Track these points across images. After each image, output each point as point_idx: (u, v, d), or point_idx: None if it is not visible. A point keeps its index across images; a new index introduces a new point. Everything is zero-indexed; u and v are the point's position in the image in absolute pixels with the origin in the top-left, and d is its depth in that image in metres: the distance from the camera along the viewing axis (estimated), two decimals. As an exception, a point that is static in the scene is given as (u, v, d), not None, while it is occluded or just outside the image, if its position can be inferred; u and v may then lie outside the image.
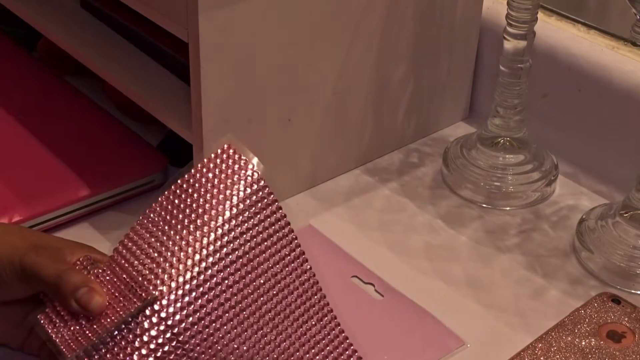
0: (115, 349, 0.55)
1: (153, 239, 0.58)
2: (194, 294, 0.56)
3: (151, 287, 0.56)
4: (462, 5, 0.86)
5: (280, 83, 0.75)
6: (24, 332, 0.62)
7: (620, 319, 0.69)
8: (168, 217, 0.59)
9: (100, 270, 0.59)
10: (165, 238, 0.58)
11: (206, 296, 0.57)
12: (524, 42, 0.77)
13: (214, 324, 0.57)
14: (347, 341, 0.63)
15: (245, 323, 0.58)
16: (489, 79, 0.90)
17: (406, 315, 0.70)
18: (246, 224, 0.59)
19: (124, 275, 0.58)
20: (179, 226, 0.58)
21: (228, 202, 0.59)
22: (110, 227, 0.78)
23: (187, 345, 0.56)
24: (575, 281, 0.74)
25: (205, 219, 0.58)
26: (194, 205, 0.59)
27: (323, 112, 0.80)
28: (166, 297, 0.56)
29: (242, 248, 0.58)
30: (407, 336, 0.68)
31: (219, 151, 0.61)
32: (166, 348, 0.55)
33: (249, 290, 0.58)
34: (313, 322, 0.61)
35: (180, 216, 0.59)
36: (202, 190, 0.60)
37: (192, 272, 0.57)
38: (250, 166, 0.60)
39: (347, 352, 0.62)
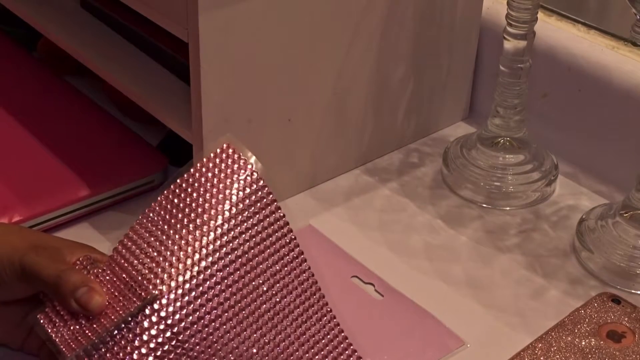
0: (115, 348, 0.55)
1: (152, 239, 0.58)
2: (193, 293, 0.56)
3: (151, 287, 0.56)
4: (462, 5, 0.86)
5: (280, 83, 0.75)
6: (24, 332, 0.62)
7: (620, 319, 0.69)
8: (167, 217, 0.59)
9: (100, 270, 0.59)
10: (164, 237, 0.58)
11: (206, 295, 0.57)
12: (524, 42, 0.77)
13: (213, 323, 0.57)
14: (347, 341, 0.63)
15: (245, 322, 0.58)
16: (489, 79, 0.90)
17: (406, 315, 0.70)
18: (245, 224, 0.59)
19: (124, 275, 0.58)
20: (178, 225, 0.58)
21: (227, 202, 0.59)
22: (110, 227, 0.78)
23: (186, 345, 0.56)
24: (575, 281, 0.74)
25: (205, 219, 0.58)
26: (194, 204, 0.59)
27: (323, 112, 0.80)
28: (166, 297, 0.56)
29: (242, 248, 0.59)
30: (407, 336, 0.68)
31: (218, 151, 0.61)
32: (166, 347, 0.55)
33: (248, 290, 0.58)
34: (312, 322, 0.61)
35: (180, 216, 0.59)
36: (202, 189, 0.60)
37: (191, 271, 0.57)
38: (249, 166, 0.60)
39: (346, 352, 0.62)
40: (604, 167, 0.84)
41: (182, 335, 0.56)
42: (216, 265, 0.57)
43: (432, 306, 0.70)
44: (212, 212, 0.59)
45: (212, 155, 0.61)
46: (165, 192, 0.60)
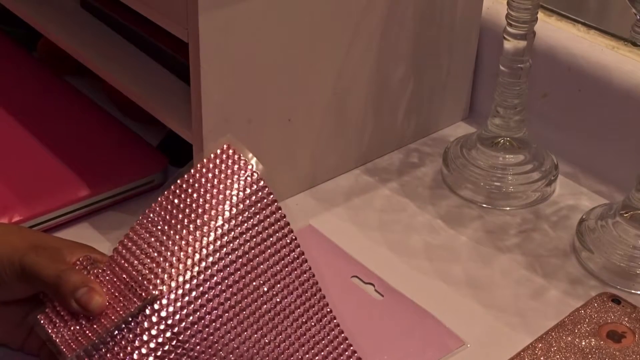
0: (116, 349, 0.55)
1: (153, 239, 0.58)
2: (194, 293, 0.56)
3: (151, 287, 0.56)
4: (462, 5, 0.86)
5: (280, 83, 0.75)
6: (24, 332, 0.62)
7: (620, 319, 0.69)
8: (168, 217, 0.59)
9: (100, 270, 0.59)
10: (165, 238, 0.58)
11: (206, 296, 0.57)
12: (524, 42, 0.77)
13: (213, 324, 0.57)
14: (347, 342, 0.63)
15: (245, 323, 0.58)
16: (489, 79, 0.90)
17: (406, 315, 0.70)
18: (246, 224, 0.59)
19: (124, 275, 0.58)
20: (178, 226, 0.58)
21: (228, 202, 0.59)
22: (110, 227, 0.78)
23: (187, 345, 0.56)
24: (575, 281, 0.74)
25: (205, 219, 0.58)
26: (194, 205, 0.59)
27: (323, 112, 0.80)
28: (166, 297, 0.56)
29: (242, 248, 0.59)
30: (407, 336, 0.68)
31: (219, 151, 0.61)
32: (166, 347, 0.55)
33: (249, 290, 0.58)
34: (312, 323, 0.61)
35: (180, 216, 0.59)
36: (202, 190, 0.60)
37: (192, 271, 0.57)
38: (249, 167, 0.60)
39: (346, 353, 0.62)
40: (604, 167, 0.84)
41: (182, 336, 0.56)
42: (216, 266, 0.57)
43: (432, 306, 0.70)
44: (213, 212, 0.59)
45: (212, 155, 0.61)
46: (165, 192, 0.60)
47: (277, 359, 0.59)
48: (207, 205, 0.59)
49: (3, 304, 0.61)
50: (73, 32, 0.85)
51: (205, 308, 0.57)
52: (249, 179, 0.60)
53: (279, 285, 0.60)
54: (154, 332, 0.55)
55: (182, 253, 0.57)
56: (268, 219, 0.60)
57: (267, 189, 0.60)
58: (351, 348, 0.63)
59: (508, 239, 0.78)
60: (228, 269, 0.58)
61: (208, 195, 0.59)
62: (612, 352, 0.66)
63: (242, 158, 0.61)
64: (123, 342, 0.55)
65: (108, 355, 0.55)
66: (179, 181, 0.60)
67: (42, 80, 0.94)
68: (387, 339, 0.67)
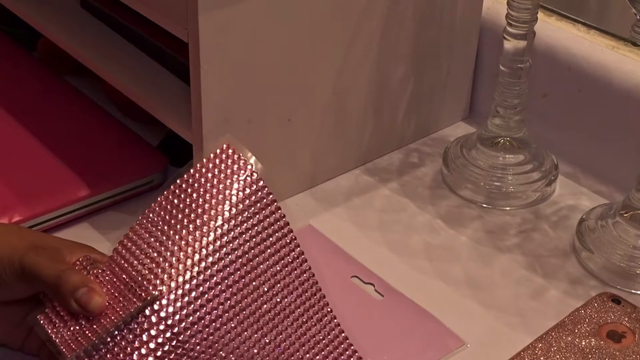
0: (116, 349, 0.55)
1: (152, 239, 0.58)
2: (193, 293, 0.56)
3: (151, 287, 0.56)
4: (462, 5, 0.86)
5: (280, 83, 0.75)
6: (24, 332, 0.62)
7: (620, 319, 0.69)
8: (167, 217, 0.59)
9: (99, 271, 0.59)
10: (164, 238, 0.58)
11: (206, 296, 0.57)
12: (524, 42, 0.77)
13: (213, 324, 0.57)
14: (347, 341, 0.62)
15: (245, 323, 0.58)
16: (489, 79, 0.90)
17: (406, 315, 0.70)
18: (245, 224, 0.59)
19: (124, 276, 0.58)
20: (178, 226, 0.58)
21: (227, 202, 0.59)
22: (110, 227, 0.78)
23: (187, 345, 0.56)
24: (575, 281, 0.74)
25: (205, 219, 0.58)
26: (193, 205, 0.59)
27: (323, 112, 0.80)
28: (166, 297, 0.56)
29: (242, 248, 0.59)
30: (407, 336, 0.68)
31: (218, 151, 0.61)
32: (166, 348, 0.55)
33: (249, 290, 0.58)
34: (313, 322, 0.61)
35: (180, 216, 0.59)
36: (202, 190, 0.60)
37: (191, 272, 0.57)
38: (249, 166, 0.60)
39: (347, 353, 0.62)
40: (604, 167, 0.84)
41: (182, 336, 0.56)
42: (216, 266, 0.57)
43: (432, 306, 0.70)
44: (212, 212, 0.59)
45: (212, 155, 0.61)
46: (165, 192, 0.60)
47: (278, 359, 0.59)
48: (206, 205, 0.59)
49: (3, 304, 0.61)
50: (73, 32, 0.85)
51: (205, 308, 0.57)
52: (248, 179, 0.60)
53: (278, 285, 0.60)
54: (153, 332, 0.55)
55: (181, 253, 0.57)
56: (268, 219, 0.60)
57: (266, 189, 0.60)
58: (352, 348, 0.63)
59: (508, 239, 0.78)
60: (228, 269, 0.58)
61: (208, 195, 0.59)
62: (612, 352, 0.66)
63: (241, 158, 0.61)
64: (123, 343, 0.55)
65: (108, 355, 0.55)
66: (178, 181, 0.60)
67: (42, 80, 0.94)
68: (387, 339, 0.67)
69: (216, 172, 0.60)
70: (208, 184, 0.60)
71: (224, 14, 0.69)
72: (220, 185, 0.60)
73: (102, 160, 0.82)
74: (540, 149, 0.84)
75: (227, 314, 0.57)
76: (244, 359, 0.58)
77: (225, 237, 0.58)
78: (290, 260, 0.61)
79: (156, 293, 0.56)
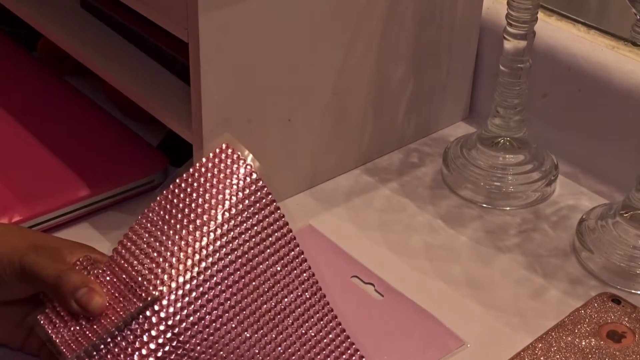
0: (116, 350, 0.55)
1: (152, 239, 0.58)
2: (194, 294, 0.56)
3: (151, 288, 0.56)
4: (462, 5, 0.86)
5: (280, 83, 0.75)
6: (24, 332, 0.62)
7: (620, 319, 0.69)
8: (167, 217, 0.59)
9: (100, 271, 0.59)
10: (164, 238, 0.58)
11: (206, 296, 0.57)
12: (524, 42, 0.77)
13: (214, 324, 0.57)
14: (349, 340, 0.62)
15: (246, 323, 0.58)
16: (489, 79, 0.90)
17: (406, 315, 0.70)
18: (245, 224, 0.59)
19: (124, 276, 0.57)
20: (177, 226, 0.58)
21: (227, 202, 0.59)
22: (110, 227, 0.78)
23: (187, 345, 0.56)
24: (575, 281, 0.74)
25: (205, 219, 0.58)
26: (193, 205, 0.59)
27: (323, 112, 0.80)
28: (166, 298, 0.56)
29: (241, 248, 0.58)
30: (407, 336, 0.68)
31: (217, 150, 0.61)
32: (167, 348, 0.55)
33: (249, 290, 0.58)
34: (313, 322, 0.61)
35: (179, 216, 0.59)
36: (201, 190, 0.60)
37: (192, 272, 0.57)
38: (248, 166, 0.60)
39: (349, 352, 0.62)
40: (604, 167, 0.84)
41: (182, 336, 0.56)
42: (216, 266, 0.57)
43: (432, 306, 0.70)
44: (212, 212, 0.59)
45: (211, 155, 0.61)
46: (164, 192, 0.60)
47: (279, 357, 0.59)
48: (206, 205, 0.59)
49: (3, 304, 0.61)
50: (73, 32, 0.85)
51: (205, 308, 0.56)
52: (247, 179, 0.60)
53: (278, 285, 0.60)
54: (154, 333, 0.55)
55: (181, 254, 0.57)
56: (267, 219, 0.60)
57: (265, 188, 0.60)
58: (353, 347, 0.62)
59: (508, 239, 0.78)
60: (227, 269, 0.58)
61: (207, 195, 0.59)
62: (612, 352, 0.66)
63: (240, 157, 0.61)
64: (123, 344, 0.55)
65: (108, 356, 0.55)
66: (177, 180, 0.60)
67: (42, 80, 0.94)
68: (387, 339, 0.67)
69: (215, 172, 0.60)
70: (207, 184, 0.60)
71: (224, 14, 0.69)
72: (220, 185, 0.60)
73: (102, 160, 0.82)
74: (540, 149, 0.84)
75: (227, 314, 0.57)
76: (244, 358, 0.58)
77: (225, 237, 0.58)
78: (289, 259, 0.61)
79: (156, 294, 0.56)
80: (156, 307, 0.55)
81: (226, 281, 0.57)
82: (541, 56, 0.85)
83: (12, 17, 0.92)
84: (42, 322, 0.58)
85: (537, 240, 0.78)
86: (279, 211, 0.60)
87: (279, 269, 0.60)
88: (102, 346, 0.55)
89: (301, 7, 0.73)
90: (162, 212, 0.59)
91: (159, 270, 0.57)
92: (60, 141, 0.83)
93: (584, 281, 0.74)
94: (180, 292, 0.56)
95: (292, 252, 0.61)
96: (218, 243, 0.58)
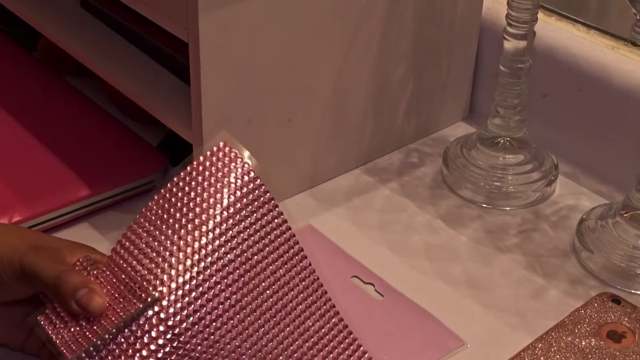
0: (117, 351, 0.55)
1: (150, 239, 0.58)
2: (193, 294, 0.56)
3: (151, 288, 0.56)
4: (462, 5, 0.86)
5: (280, 83, 0.75)
6: (24, 332, 0.62)
7: (620, 319, 0.69)
8: (165, 217, 0.59)
9: (99, 271, 0.59)
10: (163, 238, 0.58)
11: (206, 296, 0.57)
12: (524, 42, 0.77)
13: (214, 323, 0.57)
14: (352, 336, 0.62)
15: (246, 321, 0.58)
16: (489, 79, 0.90)
17: (406, 315, 0.70)
18: (243, 223, 0.59)
19: (123, 276, 0.57)
20: (176, 225, 0.58)
21: (225, 201, 0.59)
22: (110, 227, 0.78)
23: (188, 345, 0.56)
24: (575, 281, 0.74)
25: (203, 219, 0.58)
26: (191, 204, 0.59)
27: (323, 112, 0.80)
28: (166, 298, 0.56)
29: (240, 247, 0.58)
30: (407, 336, 0.68)
31: (214, 149, 0.60)
32: (167, 349, 0.55)
33: (249, 288, 0.58)
34: (315, 318, 0.61)
35: (177, 215, 0.59)
36: (199, 189, 0.59)
37: (191, 272, 0.57)
38: (245, 165, 0.60)
39: (352, 347, 0.62)
40: (604, 167, 0.84)
41: (183, 337, 0.56)
42: (215, 265, 0.57)
43: (432, 306, 0.70)
44: (210, 211, 0.58)
45: (208, 153, 0.60)
46: (162, 191, 0.60)
47: (281, 355, 0.59)
48: (204, 205, 0.59)
49: (3, 305, 0.61)
50: (73, 32, 0.85)
51: (205, 308, 0.56)
52: (245, 177, 0.60)
53: (279, 282, 0.60)
54: (154, 334, 0.55)
55: (181, 254, 0.57)
56: (265, 217, 0.60)
57: (263, 186, 0.60)
58: (356, 342, 0.62)
59: (508, 239, 0.78)
60: (227, 268, 0.58)
61: (205, 194, 0.59)
62: (612, 352, 0.66)
63: (237, 156, 0.60)
64: (124, 345, 0.55)
65: (109, 357, 0.55)
66: (175, 179, 0.60)
67: (42, 80, 0.94)
68: (387, 339, 0.67)
69: (213, 171, 0.60)
70: (205, 182, 0.59)
71: (224, 14, 0.69)
72: (218, 184, 0.59)
73: (102, 160, 0.82)
74: (540, 149, 0.84)
75: (227, 313, 0.57)
76: (246, 357, 0.58)
77: (224, 236, 0.58)
78: (289, 256, 0.60)
79: (156, 294, 0.55)
80: (156, 308, 0.55)
81: (226, 280, 0.57)
82: (541, 56, 0.85)
83: (12, 17, 0.92)
84: (42, 322, 0.58)
85: (537, 240, 0.78)
86: (277, 209, 0.60)
87: (278, 265, 0.60)
88: (102, 347, 0.55)
89: (301, 7, 0.73)
90: (160, 212, 0.59)
91: (158, 270, 0.57)
92: (60, 141, 0.83)
93: (584, 281, 0.74)
94: (180, 292, 0.56)
95: (292, 250, 0.61)
96: (217, 242, 0.58)
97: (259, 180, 0.60)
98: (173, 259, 0.57)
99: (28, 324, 0.59)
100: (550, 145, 0.85)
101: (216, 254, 0.57)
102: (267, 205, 0.60)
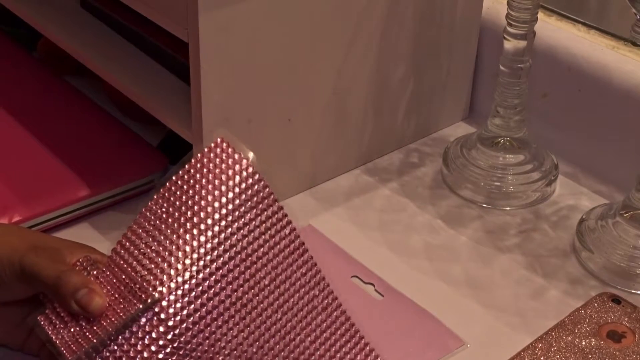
0: (117, 353, 0.55)
1: (150, 239, 0.58)
2: (193, 293, 0.56)
3: (150, 289, 0.56)
4: (462, 5, 0.86)
5: (280, 83, 0.75)
6: (24, 332, 0.62)
7: (620, 319, 0.69)
8: (164, 216, 0.59)
9: (99, 271, 0.59)
10: (162, 238, 0.58)
11: (206, 294, 0.56)
12: (524, 42, 0.77)
13: (215, 322, 0.57)
14: (354, 328, 0.62)
15: (248, 318, 0.58)
16: (489, 79, 0.90)
17: (406, 315, 0.70)
18: (243, 219, 0.58)
19: (123, 277, 0.57)
20: (175, 224, 0.58)
21: (224, 198, 0.58)
22: (110, 227, 0.78)
23: (189, 345, 0.56)
24: (575, 281, 0.74)
25: (202, 216, 0.58)
26: (190, 202, 0.58)
27: (323, 112, 0.80)
28: (166, 298, 0.56)
29: (240, 243, 0.58)
30: (407, 336, 0.68)
31: (212, 145, 0.60)
32: (168, 349, 0.55)
33: (250, 285, 0.58)
34: (318, 311, 0.60)
35: (176, 214, 0.58)
36: (197, 186, 0.59)
37: (190, 271, 0.56)
38: (244, 160, 0.60)
39: (353, 340, 0.62)
40: (604, 167, 0.84)
41: (184, 337, 0.55)
42: (215, 264, 0.57)
43: (432, 306, 0.70)
44: (209, 209, 0.58)
45: (206, 150, 0.60)
46: (161, 190, 0.60)
47: (283, 350, 0.59)
48: (202, 202, 0.58)
49: (3, 305, 0.61)
50: (73, 32, 0.85)
51: (205, 307, 0.56)
52: (244, 172, 0.59)
53: (280, 277, 0.59)
54: (155, 335, 0.55)
55: (180, 253, 0.57)
56: (265, 212, 0.59)
57: (262, 181, 0.59)
58: (358, 334, 0.62)
59: (508, 239, 0.78)
60: (227, 265, 0.57)
61: (203, 191, 0.59)
62: (612, 352, 0.66)
63: (236, 151, 0.60)
64: (125, 346, 0.55)
65: (110, 358, 0.55)
66: (173, 178, 0.60)
67: (42, 80, 0.94)
68: (387, 339, 0.67)
69: (211, 167, 0.59)
70: (203, 180, 0.59)
71: (224, 14, 0.69)
72: (216, 181, 0.59)
73: (102, 160, 0.82)
74: (540, 149, 0.84)
75: (228, 311, 0.57)
76: (247, 354, 0.58)
77: (223, 234, 0.58)
78: (290, 251, 0.60)
79: (156, 295, 0.55)
80: (156, 309, 0.55)
81: (226, 278, 0.57)
82: (541, 56, 0.85)
83: (12, 17, 0.92)
84: (42, 322, 0.57)
85: (537, 240, 0.78)
86: (277, 203, 0.60)
87: (279, 261, 0.59)
88: (102, 348, 0.55)
89: (301, 7, 0.73)
90: (159, 212, 0.59)
91: (158, 270, 0.56)
92: (60, 141, 0.83)
93: (584, 281, 0.74)
94: (179, 292, 0.56)
95: (293, 244, 0.60)
96: (216, 240, 0.57)
97: (257, 175, 0.59)
98: (172, 259, 0.57)
99: (28, 324, 0.59)
100: (550, 145, 0.85)
101: (215, 251, 0.57)
102: (266, 200, 0.59)
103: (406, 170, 0.86)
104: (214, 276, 0.57)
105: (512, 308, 0.71)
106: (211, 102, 0.71)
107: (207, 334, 0.56)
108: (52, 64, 0.96)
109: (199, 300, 0.56)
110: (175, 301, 0.56)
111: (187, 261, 0.57)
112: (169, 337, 0.55)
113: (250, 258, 0.58)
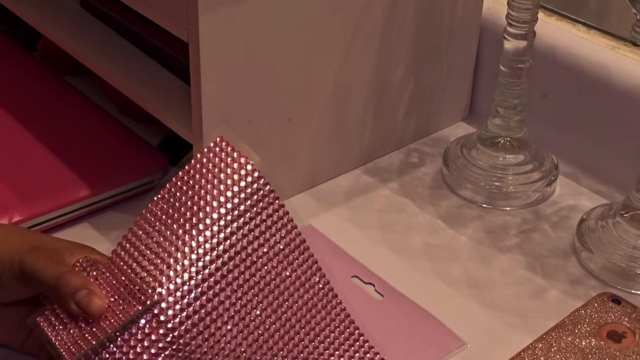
0: (117, 354, 0.55)
1: (150, 240, 0.58)
2: (193, 294, 0.56)
3: (150, 291, 0.55)
4: (462, 5, 0.86)
5: (280, 83, 0.75)
6: (24, 333, 0.62)
7: (620, 319, 0.69)
8: (164, 217, 0.58)
9: (99, 272, 0.58)
10: (162, 239, 0.57)
11: (205, 296, 0.56)
12: (524, 42, 0.77)
13: (215, 323, 0.56)
14: (353, 325, 0.62)
15: (247, 318, 0.57)
16: (489, 79, 0.90)
17: (406, 315, 0.70)
18: (243, 218, 0.58)
19: (123, 278, 0.57)
20: (175, 226, 0.58)
21: (223, 197, 0.58)
22: (110, 227, 0.78)
23: (188, 347, 0.56)
24: (576, 281, 0.74)
25: (201, 217, 0.58)
26: (189, 203, 0.58)
27: (323, 112, 0.80)
28: (165, 300, 0.55)
29: (240, 243, 0.58)
30: (407, 336, 0.68)
31: (211, 144, 0.60)
32: (168, 352, 0.55)
33: (250, 285, 0.58)
34: (318, 309, 0.60)
35: (176, 215, 0.58)
36: (197, 187, 0.59)
37: (189, 272, 0.56)
38: (243, 159, 0.59)
39: (352, 337, 0.62)
40: (604, 167, 0.84)
41: (183, 338, 0.55)
42: (214, 264, 0.57)
43: (432, 306, 0.70)
44: (209, 209, 0.58)
45: (205, 149, 0.60)
46: (161, 191, 0.60)
47: (283, 349, 0.59)
48: (202, 202, 0.58)
49: (3, 305, 0.61)
50: (73, 32, 0.85)
51: (205, 308, 0.56)
52: (243, 171, 0.59)
53: (280, 277, 0.59)
54: (154, 337, 0.55)
55: (179, 254, 0.57)
56: (266, 210, 0.59)
57: (263, 179, 0.59)
58: (358, 332, 0.62)
59: (508, 239, 0.78)
60: (226, 266, 0.57)
61: (203, 191, 0.58)
62: (612, 352, 0.66)
63: (235, 150, 0.59)
64: (124, 348, 0.55)
65: (110, 360, 0.55)
66: (173, 179, 0.60)
67: (42, 80, 0.93)
68: (387, 339, 0.67)
69: (210, 167, 0.59)
70: (202, 180, 0.59)
71: (224, 14, 0.69)
72: (215, 180, 0.59)
73: (102, 160, 0.82)
74: (540, 149, 0.84)
75: (228, 312, 0.57)
76: (247, 354, 0.58)
77: (222, 233, 0.57)
78: (291, 249, 0.59)
79: (156, 297, 0.55)
80: (156, 311, 0.55)
81: (226, 278, 0.57)
82: (541, 56, 0.85)
83: (12, 17, 0.92)
84: (41, 324, 0.57)
85: (537, 241, 0.78)
86: (277, 201, 0.59)
87: (280, 260, 0.59)
88: (102, 350, 0.55)
89: (301, 7, 0.73)
90: (159, 213, 0.59)
91: (157, 272, 0.56)
92: (60, 141, 0.83)
93: (584, 281, 0.74)
94: (179, 293, 0.56)
95: (294, 242, 0.60)
96: (215, 240, 0.57)
97: (257, 173, 0.59)
98: (172, 260, 0.56)
99: (28, 325, 0.59)
100: (550, 145, 0.85)
101: (215, 252, 0.57)
102: (267, 199, 0.59)
103: (406, 170, 0.86)
104: (213, 277, 0.57)
105: (512, 308, 0.71)
106: (211, 102, 0.71)
107: (206, 336, 0.56)
108: (52, 64, 0.96)
109: (199, 301, 0.56)
110: (175, 303, 0.55)
111: (186, 262, 0.56)
112: (169, 339, 0.55)
113: (250, 257, 0.58)
